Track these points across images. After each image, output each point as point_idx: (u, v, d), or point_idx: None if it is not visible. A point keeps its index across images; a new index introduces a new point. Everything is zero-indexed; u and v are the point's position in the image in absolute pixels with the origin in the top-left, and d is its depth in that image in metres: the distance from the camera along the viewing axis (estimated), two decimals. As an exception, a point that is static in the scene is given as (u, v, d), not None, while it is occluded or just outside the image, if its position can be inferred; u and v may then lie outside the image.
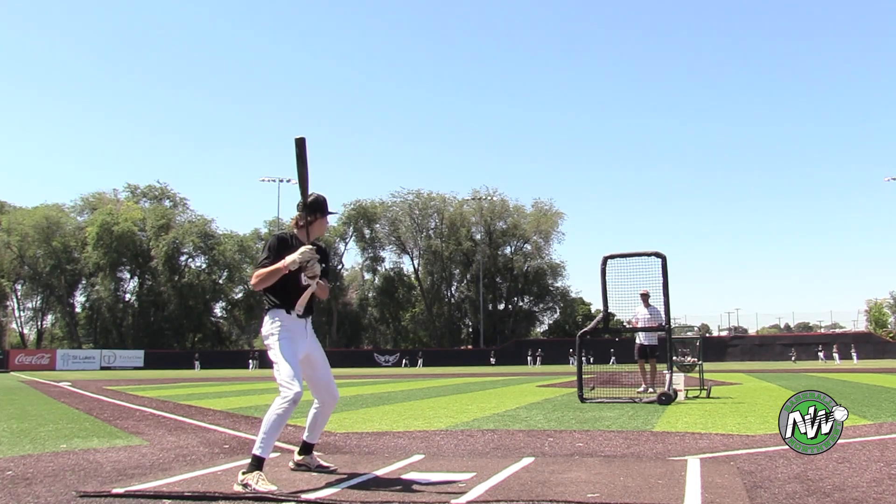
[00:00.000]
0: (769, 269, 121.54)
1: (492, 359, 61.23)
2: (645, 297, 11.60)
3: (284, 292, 4.20)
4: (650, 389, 11.03)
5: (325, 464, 4.56)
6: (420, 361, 60.44)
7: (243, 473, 3.88)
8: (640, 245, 66.26)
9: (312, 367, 4.33)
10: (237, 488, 3.82)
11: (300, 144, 4.21)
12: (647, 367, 12.22)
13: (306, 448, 4.52)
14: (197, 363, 54.37)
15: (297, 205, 4.34)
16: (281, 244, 4.21)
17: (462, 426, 7.40)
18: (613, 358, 51.04)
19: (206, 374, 35.39)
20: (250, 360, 55.76)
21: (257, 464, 3.87)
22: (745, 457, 5.00)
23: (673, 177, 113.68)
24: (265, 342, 4.21)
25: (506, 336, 72.39)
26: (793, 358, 53.19)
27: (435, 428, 7.28)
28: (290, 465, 4.55)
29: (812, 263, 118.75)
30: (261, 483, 3.78)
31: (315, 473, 4.37)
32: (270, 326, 4.17)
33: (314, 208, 4.32)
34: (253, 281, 4.14)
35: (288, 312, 4.19)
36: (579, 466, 4.56)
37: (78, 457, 5.42)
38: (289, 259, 4.07)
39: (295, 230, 4.35)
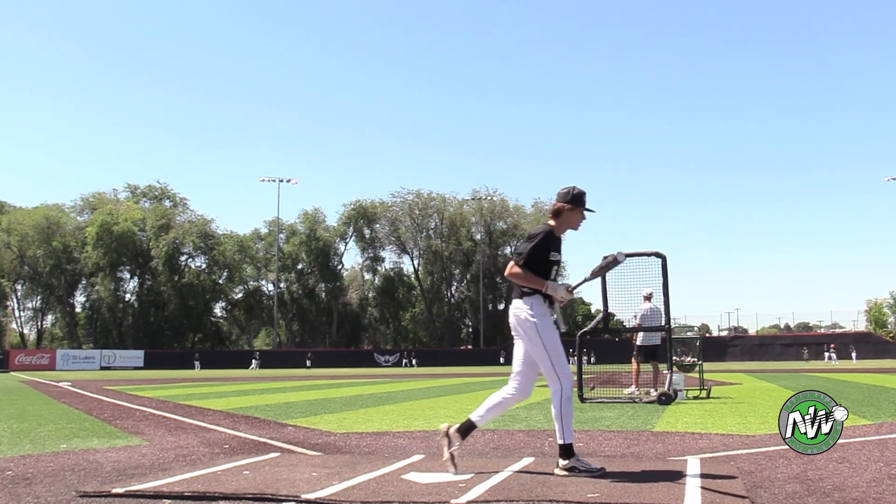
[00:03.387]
0: (769, 269, 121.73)
1: (501, 358, 61.10)
2: (647, 298, 11.37)
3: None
4: (651, 391, 10.95)
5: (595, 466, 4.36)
6: (415, 362, 60.33)
7: (563, 459, 4.16)
8: (640, 245, 66.18)
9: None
10: (562, 473, 4.12)
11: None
12: (647, 367, 12.04)
13: (468, 428, 4.39)
14: (197, 363, 54.30)
15: (559, 193, 4.46)
16: (548, 238, 4.34)
17: (462, 426, 7.39)
18: (585, 358, 51.41)
19: (207, 375, 35.38)
20: (253, 360, 55.73)
21: (570, 450, 4.16)
22: (745, 457, 5.00)
23: (673, 177, 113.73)
24: (523, 328, 4.26)
25: (506, 336, 72.32)
26: (805, 356, 53.30)
27: (435, 428, 7.26)
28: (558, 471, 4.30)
29: (812, 263, 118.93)
30: (581, 462, 4.15)
31: (315, 473, 4.36)
32: (530, 313, 4.26)
33: (568, 199, 4.39)
34: (515, 277, 4.29)
35: (543, 301, 4.30)
36: (579, 466, 4.55)
37: (78, 457, 5.42)
38: (552, 291, 4.26)
39: (551, 221, 4.43)
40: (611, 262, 4.40)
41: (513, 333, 4.44)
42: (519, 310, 4.31)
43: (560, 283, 4.36)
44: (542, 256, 4.30)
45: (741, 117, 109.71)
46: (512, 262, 4.31)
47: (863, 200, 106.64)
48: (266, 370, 48.35)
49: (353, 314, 79.43)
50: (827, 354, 50.23)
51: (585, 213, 4.43)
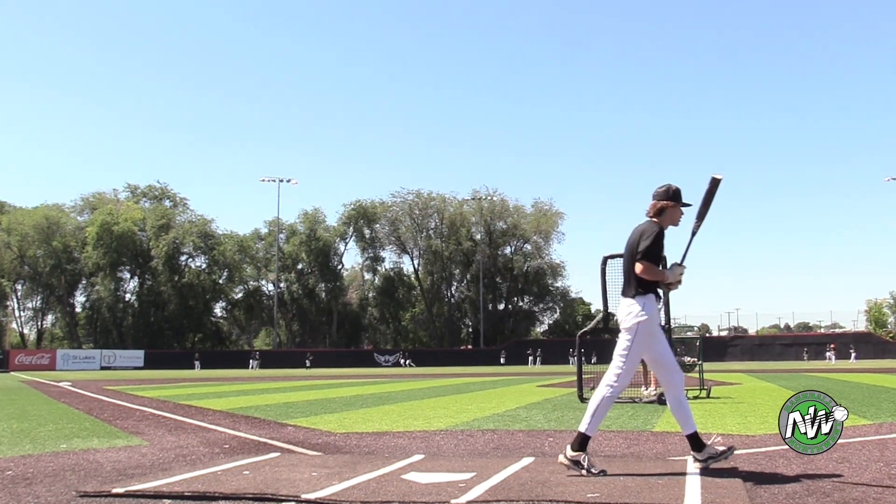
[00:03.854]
0: (769, 269, 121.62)
1: (501, 358, 61.11)
2: None
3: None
4: (647, 390, 11.04)
5: (720, 448, 4.47)
6: (408, 362, 60.33)
7: (573, 450, 4.18)
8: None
9: (662, 347, 4.42)
10: (564, 461, 4.17)
11: (715, 184, 4.52)
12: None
13: (695, 443, 4.41)
14: (197, 363, 53.87)
15: (654, 192, 4.56)
16: (662, 235, 4.48)
17: (462, 426, 7.40)
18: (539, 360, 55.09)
19: (207, 374, 35.38)
20: (252, 360, 55.51)
21: (584, 443, 4.19)
22: (745, 457, 5.01)
23: (672, 177, 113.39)
24: (626, 326, 4.34)
25: (506, 336, 72.36)
26: (805, 357, 53.35)
27: (435, 428, 7.28)
28: (696, 466, 4.37)
29: (812, 263, 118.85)
30: (587, 460, 4.14)
31: (315, 473, 4.36)
32: (638, 316, 4.31)
33: (669, 195, 4.50)
34: (645, 273, 4.32)
35: (656, 300, 4.39)
36: (579, 466, 4.55)
37: (78, 457, 5.42)
38: (672, 279, 4.44)
39: (654, 218, 4.52)
40: (713, 186, 4.48)
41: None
42: (631, 307, 4.39)
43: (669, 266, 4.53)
44: (658, 253, 4.41)
45: (741, 117, 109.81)
46: (640, 263, 4.34)
47: (863, 200, 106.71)
48: (266, 370, 48.35)
49: (353, 314, 79.41)
50: (828, 354, 50.47)
51: (683, 208, 4.55)
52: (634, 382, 12.03)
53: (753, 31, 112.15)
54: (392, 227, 76.18)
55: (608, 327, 11.01)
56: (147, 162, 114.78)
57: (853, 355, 49.98)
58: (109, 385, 20.62)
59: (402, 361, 61.50)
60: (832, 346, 51.63)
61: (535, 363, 56.75)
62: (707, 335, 62.81)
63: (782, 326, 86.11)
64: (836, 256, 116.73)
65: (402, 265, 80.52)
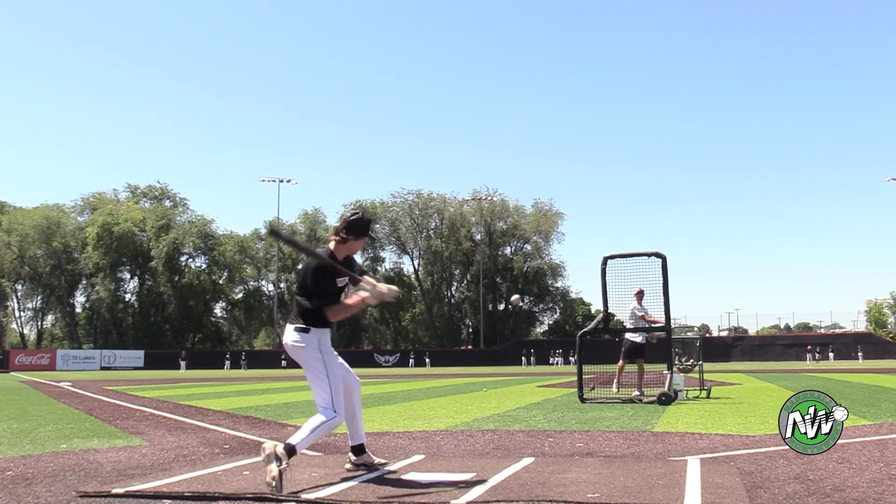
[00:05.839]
0: (769, 269, 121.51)
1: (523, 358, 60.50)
2: (639, 295, 11.09)
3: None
4: (634, 392, 10.82)
5: (378, 460, 4.62)
6: (411, 361, 60.20)
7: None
8: (640, 245, 66.27)
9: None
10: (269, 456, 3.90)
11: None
12: (633, 367, 11.64)
13: (358, 449, 4.54)
14: (183, 363, 51.04)
15: (340, 218, 4.47)
16: (331, 270, 4.23)
17: (462, 426, 7.40)
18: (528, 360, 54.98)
19: (207, 375, 35.36)
20: (241, 360, 54.62)
21: (290, 452, 3.94)
22: (745, 457, 5.01)
23: (673, 177, 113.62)
24: (305, 358, 4.26)
25: (506, 336, 72.34)
26: (816, 357, 53.36)
27: (435, 428, 7.28)
28: (347, 466, 4.52)
29: (812, 263, 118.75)
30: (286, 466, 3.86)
31: (316, 474, 4.37)
32: (311, 342, 4.25)
33: (352, 228, 4.33)
34: (333, 317, 4.28)
35: (326, 326, 4.32)
36: (579, 466, 4.56)
37: (78, 457, 5.42)
38: (372, 301, 4.28)
39: (332, 244, 4.37)
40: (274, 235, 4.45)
41: None
42: (301, 340, 4.36)
43: None
44: (325, 288, 4.31)
45: (741, 117, 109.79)
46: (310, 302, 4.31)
47: (863, 200, 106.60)
48: (266, 370, 48.32)
49: (352, 314, 79.33)
50: (832, 355, 50.91)
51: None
52: (629, 383, 12.04)
53: (753, 32, 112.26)
54: (392, 227, 76.19)
55: (608, 327, 11.01)
56: (147, 162, 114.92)
57: (860, 356, 50.22)
58: (109, 385, 20.62)
59: (410, 361, 61.25)
60: (831, 347, 52.04)
61: (529, 363, 56.80)
62: (707, 335, 62.82)
63: (782, 327, 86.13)
64: (836, 256, 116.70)
65: (402, 265, 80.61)
